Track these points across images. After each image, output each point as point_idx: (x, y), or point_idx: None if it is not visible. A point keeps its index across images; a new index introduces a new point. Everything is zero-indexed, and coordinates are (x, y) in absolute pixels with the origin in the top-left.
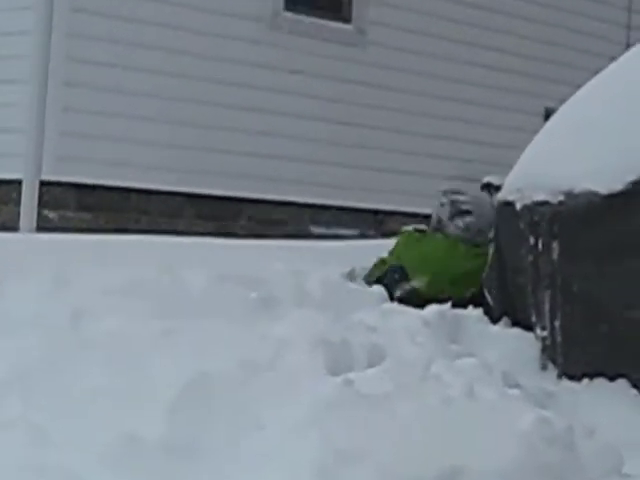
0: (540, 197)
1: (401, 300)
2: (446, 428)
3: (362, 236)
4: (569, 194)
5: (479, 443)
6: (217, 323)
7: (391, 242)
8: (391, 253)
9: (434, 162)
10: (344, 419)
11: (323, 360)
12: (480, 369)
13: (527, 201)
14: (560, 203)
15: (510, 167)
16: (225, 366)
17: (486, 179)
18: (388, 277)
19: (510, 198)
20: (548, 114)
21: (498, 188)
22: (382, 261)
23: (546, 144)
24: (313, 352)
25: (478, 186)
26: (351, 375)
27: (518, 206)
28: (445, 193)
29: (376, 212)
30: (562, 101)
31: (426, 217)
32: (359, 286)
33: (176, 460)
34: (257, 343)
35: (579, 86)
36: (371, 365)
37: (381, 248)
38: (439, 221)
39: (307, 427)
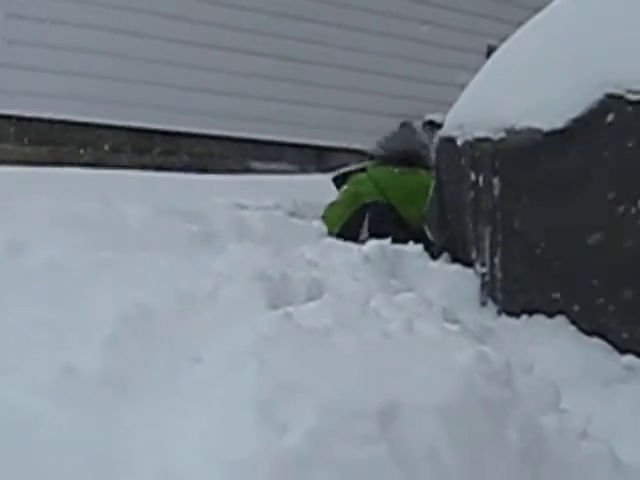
0: (482, 133)
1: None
2: (386, 363)
3: (303, 172)
4: (510, 131)
5: (419, 378)
6: (156, 256)
7: (325, 177)
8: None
9: (376, 99)
10: (283, 352)
11: (263, 294)
12: (420, 304)
13: (468, 137)
14: (501, 140)
15: (452, 105)
16: (164, 299)
17: (428, 117)
18: (371, 212)
19: (451, 134)
20: (490, 52)
21: (440, 126)
22: (353, 195)
23: (488, 82)
24: (253, 286)
25: (419, 123)
26: (290, 308)
27: (459, 142)
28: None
29: (317, 148)
30: (504, 39)
31: (364, 154)
32: (300, 220)
33: (114, 392)
34: (196, 276)
35: (521, 24)
36: (311, 300)
37: (322, 183)
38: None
39: (246, 360)
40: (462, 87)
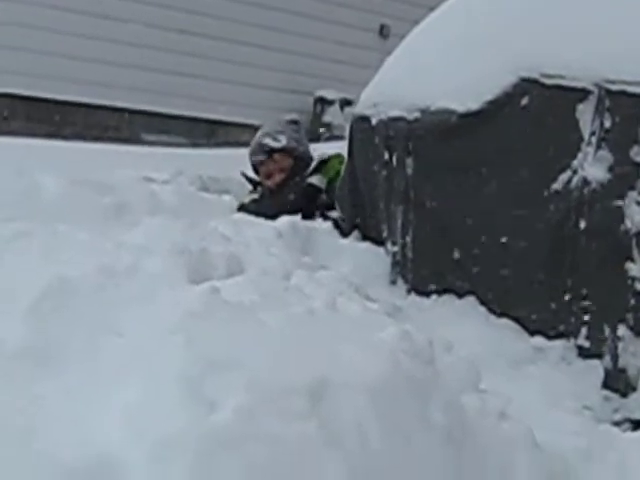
0: (396, 113)
1: None
2: (313, 340)
3: (194, 145)
4: (425, 111)
5: (346, 355)
6: (73, 228)
7: (226, 152)
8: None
9: (267, 74)
10: (211, 327)
11: (183, 268)
12: (340, 282)
13: (383, 116)
14: (416, 120)
15: (343, 82)
16: (83, 271)
17: (319, 93)
18: None
19: (365, 113)
20: (383, 30)
21: (331, 102)
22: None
23: (404, 62)
24: (173, 260)
25: (311, 99)
26: (217, 283)
27: (374, 121)
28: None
29: (209, 121)
30: (397, 18)
31: (258, 129)
32: (209, 195)
33: (37, 365)
34: (115, 250)
35: (415, 4)
36: (230, 275)
37: (219, 157)
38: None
39: (172, 335)
40: (354, 65)
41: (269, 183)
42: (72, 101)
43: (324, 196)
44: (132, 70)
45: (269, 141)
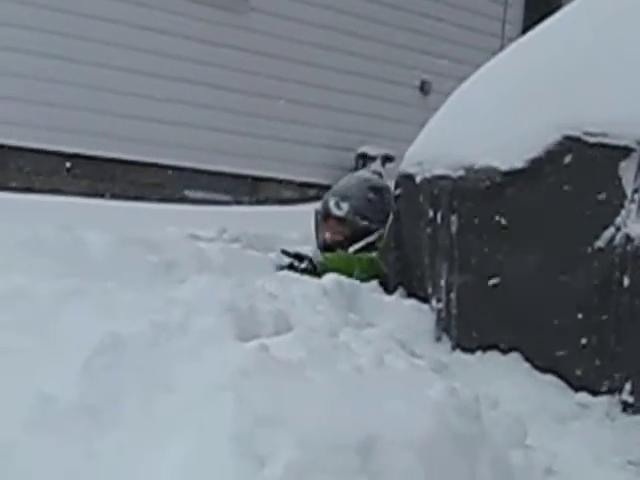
0: (440, 171)
1: None
2: (361, 397)
3: (237, 202)
4: (469, 169)
5: (394, 412)
6: (122, 285)
7: (269, 209)
8: None
9: (309, 130)
10: (261, 384)
11: (232, 325)
12: (387, 339)
13: (427, 174)
14: (460, 178)
15: (384, 137)
16: (135, 328)
17: (361, 149)
18: None
19: (410, 171)
20: (424, 86)
21: (373, 158)
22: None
23: (448, 120)
24: (222, 317)
25: (352, 155)
26: (265, 341)
27: (418, 179)
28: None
29: (251, 178)
30: (438, 74)
31: (300, 185)
32: (256, 252)
33: (91, 421)
34: (165, 306)
35: (455, 60)
36: (277, 332)
37: (261, 215)
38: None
39: (222, 391)
40: (395, 120)
41: (326, 236)
42: (115, 158)
43: None
44: (175, 127)
45: (331, 204)
